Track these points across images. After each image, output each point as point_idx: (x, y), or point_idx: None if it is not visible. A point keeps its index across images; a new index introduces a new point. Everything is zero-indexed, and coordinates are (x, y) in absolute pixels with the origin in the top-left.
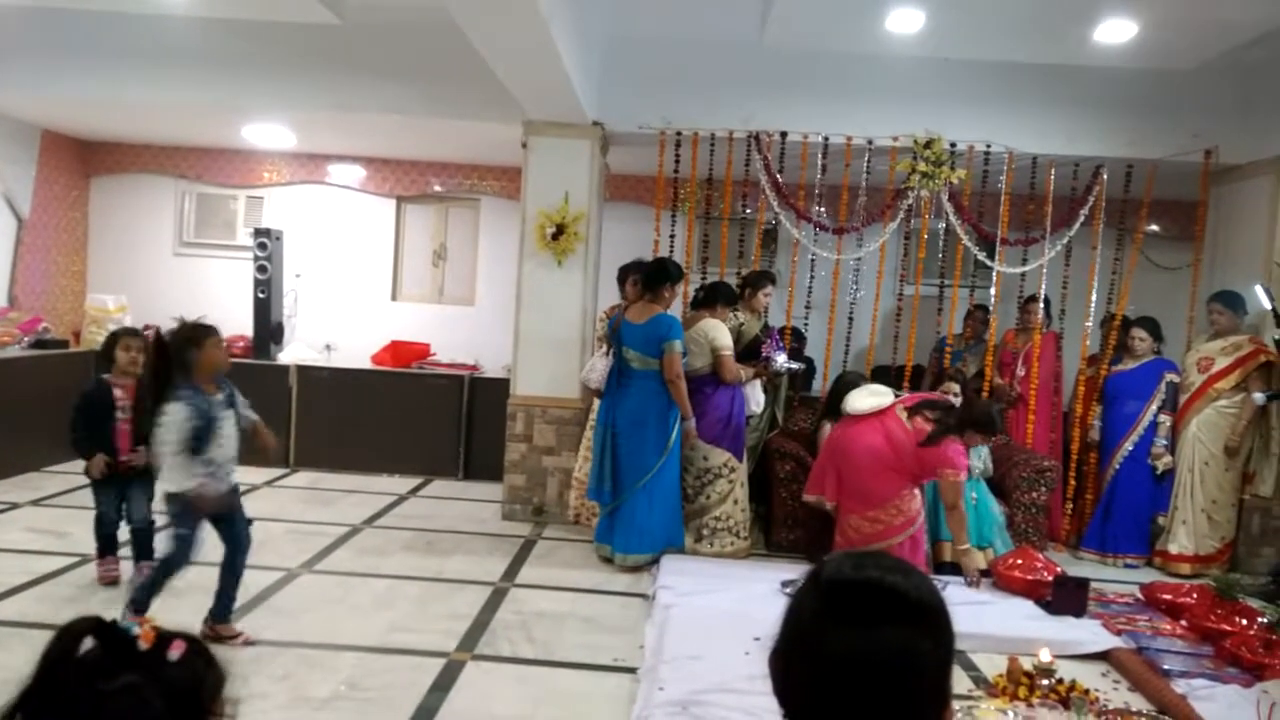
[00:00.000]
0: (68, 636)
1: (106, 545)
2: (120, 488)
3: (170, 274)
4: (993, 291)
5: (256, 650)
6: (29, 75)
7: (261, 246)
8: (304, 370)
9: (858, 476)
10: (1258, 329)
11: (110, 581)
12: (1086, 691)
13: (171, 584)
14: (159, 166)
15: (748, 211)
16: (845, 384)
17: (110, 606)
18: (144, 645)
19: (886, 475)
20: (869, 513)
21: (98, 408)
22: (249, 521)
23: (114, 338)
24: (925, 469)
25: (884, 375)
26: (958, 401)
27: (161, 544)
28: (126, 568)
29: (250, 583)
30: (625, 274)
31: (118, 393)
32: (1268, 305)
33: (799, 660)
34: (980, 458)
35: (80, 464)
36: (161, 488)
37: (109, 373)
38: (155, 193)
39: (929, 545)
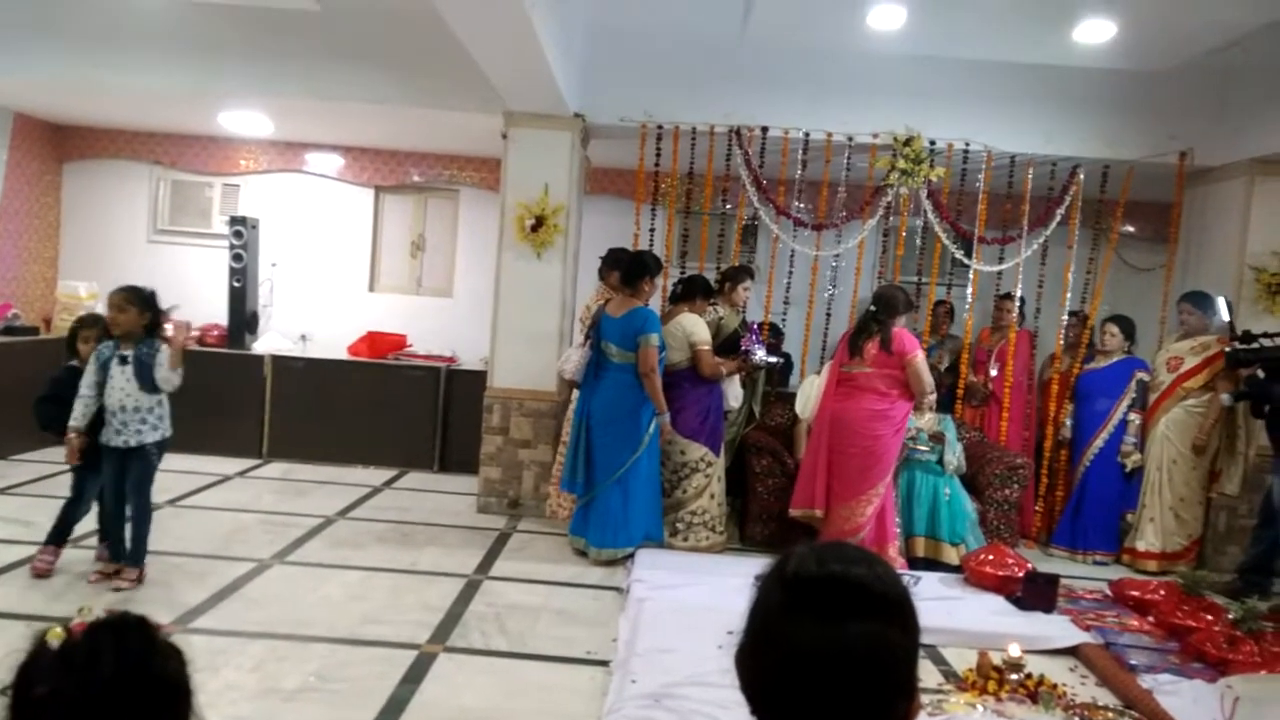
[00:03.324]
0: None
1: (61, 535)
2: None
3: (144, 261)
4: (969, 289)
5: (226, 641)
6: (0, 58)
7: (237, 235)
8: (279, 360)
9: (854, 440)
10: (1226, 331)
11: (43, 574)
12: (1055, 686)
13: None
14: (133, 152)
15: (728, 206)
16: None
17: (60, 596)
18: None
19: (888, 421)
20: (860, 497)
21: (70, 393)
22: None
23: (74, 330)
24: (901, 365)
25: None
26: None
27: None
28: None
29: (222, 573)
30: (609, 261)
31: None
32: (1226, 318)
33: (765, 656)
34: (955, 454)
35: (48, 453)
36: None
37: (75, 361)
38: (129, 179)
39: (902, 540)
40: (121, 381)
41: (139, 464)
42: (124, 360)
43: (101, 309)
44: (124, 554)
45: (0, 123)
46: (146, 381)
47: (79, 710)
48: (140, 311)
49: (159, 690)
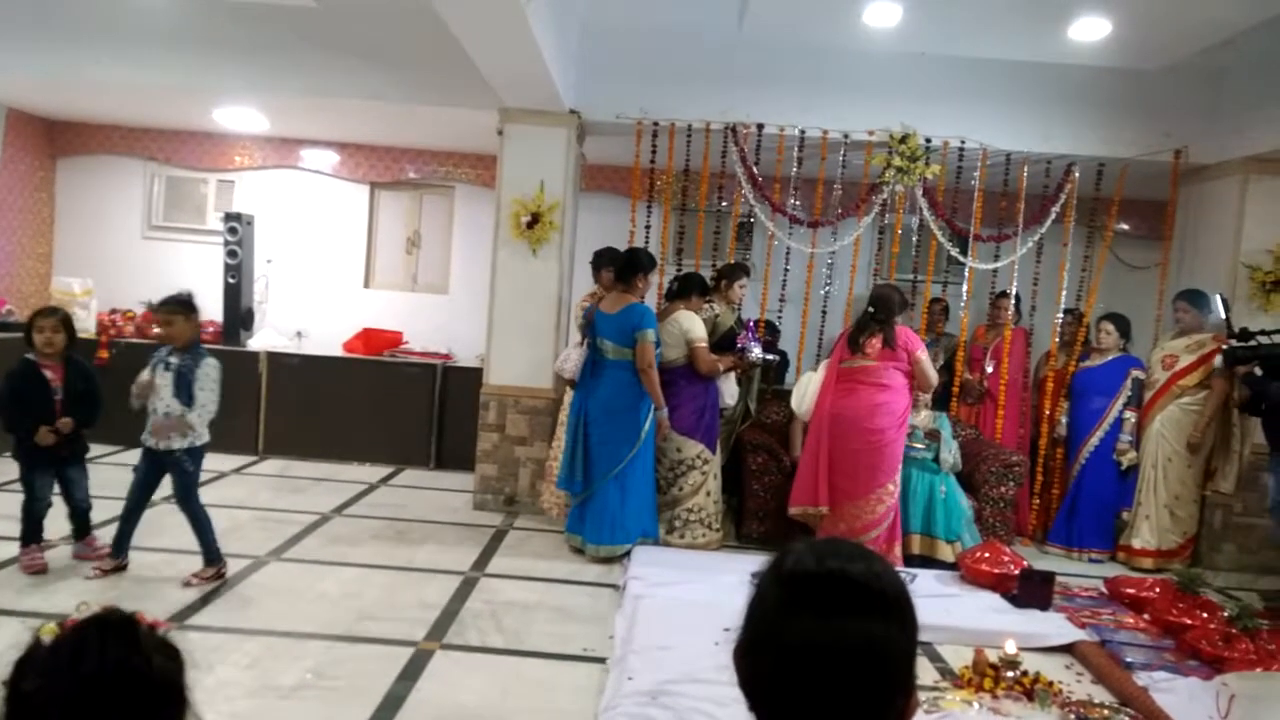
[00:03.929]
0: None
1: (34, 533)
2: (57, 470)
3: (139, 257)
4: (965, 287)
5: (222, 638)
6: None
7: (232, 231)
8: (274, 357)
9: (856, 436)
10: (1221, 329)
11: (39, 571)
12: (1051, 683)
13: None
14: (128, 148)
15: (723, 203)
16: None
17: (57, 592)
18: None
19: (889, 415)
20: (870, 495)
21: (28, 387)
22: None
23: (30, 320)
24: (909, 361)
25: None
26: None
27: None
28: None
29: None
30: (601, 259)
31: (48, 374)
32: (1223, 315)
33: (763, 653)
34: (951, 451)
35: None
36: None
37: (33, 351)
38: (124, 175)
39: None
40: (162, 387)
41: (176, 474)
42: (168, 366)
43: (96, 305)
44: (125, 550)
45: None
46: (183, 392)
47: (64, 706)
48: (187, 318)
49: (145, 688)
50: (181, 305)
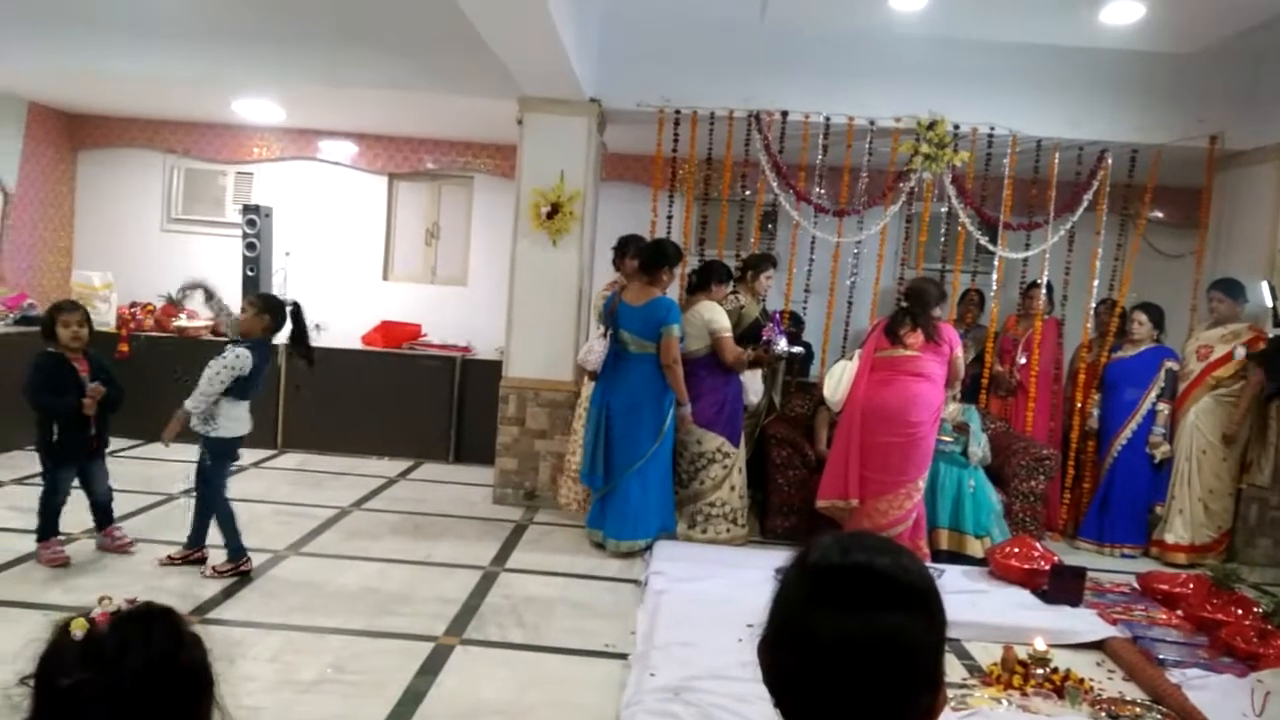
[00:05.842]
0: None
1: (51, 527)
2: (81, 465)
3: (158, 250)
4: (994, 277)
5: (243, 632)
6: (14, 46)
7: (251, 223)
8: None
9: (892, 428)
10: (1258, 318)
11: (62, 564)
12: (1081, 681)
13: None
14: (147, 141)
15: (747, 192)
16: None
17: (79, 585)
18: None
19: (926, 408)
20: (900, 490)
21: (59, 377)
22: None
23: (53, 313)
24: (950, 356)
25: None
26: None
27: None
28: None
29: None
30: (624, 246)
31: (77, 365)
32: (1269, 303)
33: (788, 648)
34: (979, 445)
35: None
36: None
37: (53, 347)
38: (143, 167)
39: (925, 532)
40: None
41: (198, 462)
42: (220, 353)
43: (116, 299)
44: (200, 540)
45: (15, 112)
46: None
47: (107, 702)
48: (257, 314)
49: (186, 681)
50: (256, 298)
